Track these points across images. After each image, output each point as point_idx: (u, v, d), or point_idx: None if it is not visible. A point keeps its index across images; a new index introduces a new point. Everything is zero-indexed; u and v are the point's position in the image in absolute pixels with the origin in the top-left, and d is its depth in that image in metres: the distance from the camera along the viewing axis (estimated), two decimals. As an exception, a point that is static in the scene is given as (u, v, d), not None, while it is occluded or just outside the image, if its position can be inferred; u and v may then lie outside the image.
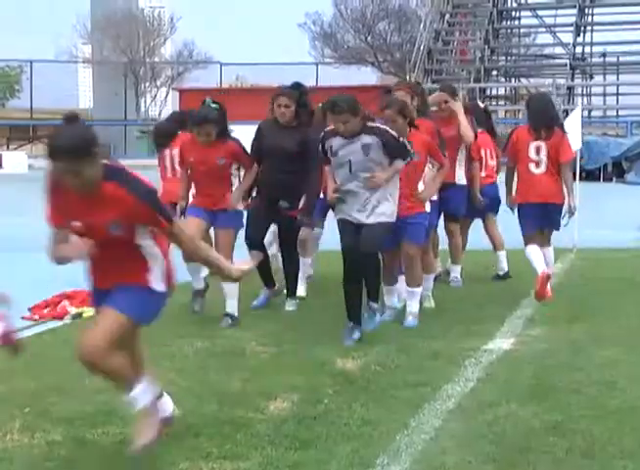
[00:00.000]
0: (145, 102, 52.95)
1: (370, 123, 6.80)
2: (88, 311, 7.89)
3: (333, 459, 4.47)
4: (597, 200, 18.07)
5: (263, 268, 7.98)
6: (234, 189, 7.59)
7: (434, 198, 7.94)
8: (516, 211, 8.61)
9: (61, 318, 7.80)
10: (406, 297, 7.66)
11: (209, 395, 5.50)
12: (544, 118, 8.30)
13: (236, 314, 7.53)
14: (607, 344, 6.75)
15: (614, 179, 26.95)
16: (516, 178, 8.61)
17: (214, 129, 7.37)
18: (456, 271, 9.36)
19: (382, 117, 7.19)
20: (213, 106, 7.43)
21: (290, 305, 8.11)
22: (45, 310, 7.99)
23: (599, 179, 25.93)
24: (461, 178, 8.99)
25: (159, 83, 53.46)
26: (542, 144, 8.25)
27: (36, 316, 7.85)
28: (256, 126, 8.08)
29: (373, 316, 7.13)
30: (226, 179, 7.59)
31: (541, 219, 8.39)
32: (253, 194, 8.03)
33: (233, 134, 7.63)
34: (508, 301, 8.36)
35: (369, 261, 6.93)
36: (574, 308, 7.99)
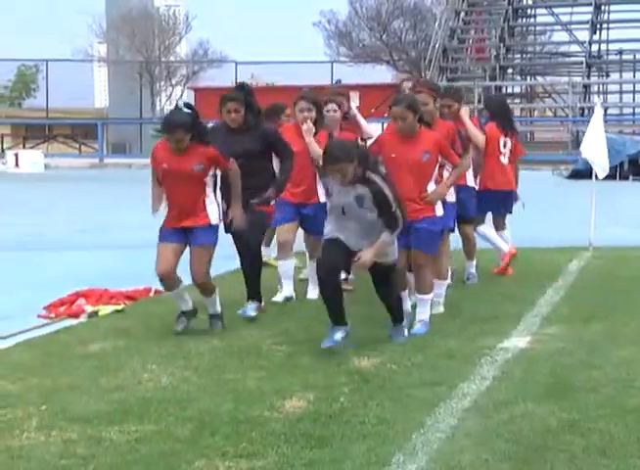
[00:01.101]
0: (160, 101, 53.02)
1: (370, 175, 6.41)
2: (104, 310, 7.93)
3: (348, 458, 4.47)
4: (613, 198, 17.99)
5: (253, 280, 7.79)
6: (210, 202, 7.07)
7: (452, 200, 7.88)
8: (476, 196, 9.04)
9: (76, 317, 7.81)
10: (417, 302, 7.37)
11: (225, 393, 5.50)
12: (509, 118, 10.13)
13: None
14: (624, 343, 6.72)
15: (630, 177, 26.82)
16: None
17: (186, 135, 6.89)
18: (472, 267, 9.33)
19: (390, 114, 7.08)
20: (185, 109, 6.97)
21: (250, 311, 7.62)
22: (61, 309, 8.01)
23: (615, 177, 25.78)
24: (471, 180, 8.89)
25: (174, 82, 53.52)
26: (507, 140, 9.73)
27: (52, 315, 7.87)
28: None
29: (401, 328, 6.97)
30: (201, 190, 7.04)
31: (504, 204, 9.84)
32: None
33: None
34: (524, 299, 8.32)
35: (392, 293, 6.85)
36: (591, 307, 7.96)
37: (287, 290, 8.39)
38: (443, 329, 7.19)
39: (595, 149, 11.79)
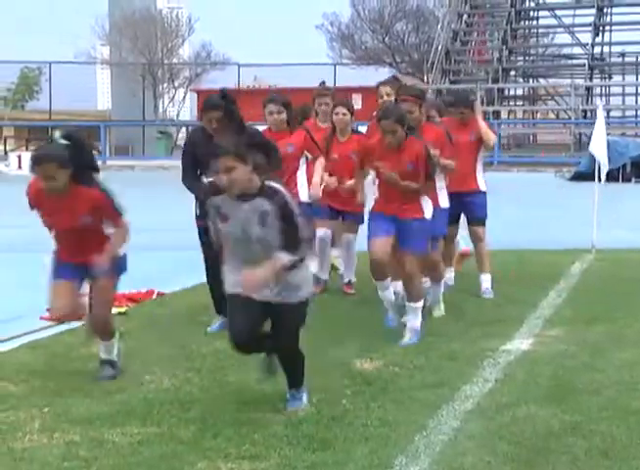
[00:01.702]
0: (163, 103, 53.03)
1: (270, 183, 5.07)
2: (107, 312, 7.92)
3: (351, 460, 4.47)
4: (616, 200, 17.98)
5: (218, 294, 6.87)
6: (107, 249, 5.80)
7: (446, 205, 7.83)
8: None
9: (79, 319, 7.80)
10: (407, 310, 7.09)
11: (228, 395, 5.50)
12: None
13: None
14: (626, 345, 6.72)
15: (633, 180, 26.82)
16: None
17: (62, 173, 5.58)
18: (487, 281, 8.85)
19: (380, 127, 6.88)
20: (62, 141, 5.66)
21: (215, 326, 7.24)
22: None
23: (618, 180, 25.79)
24: (482, 185, 8.84)
25: (176, 84, 53.51)
26: None
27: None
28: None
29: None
30: (97, 234, 5.85)
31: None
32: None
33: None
34: (526, 301, 8.32)
35: (288, 355, 5.42)
36: (593, 309, 7.96)
37: None
38: (446, 331, 7.19)
39: (600, 148, 11.85)
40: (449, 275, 8.96)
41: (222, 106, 7.19)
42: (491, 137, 8.86)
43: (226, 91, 7.39)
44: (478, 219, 8.86)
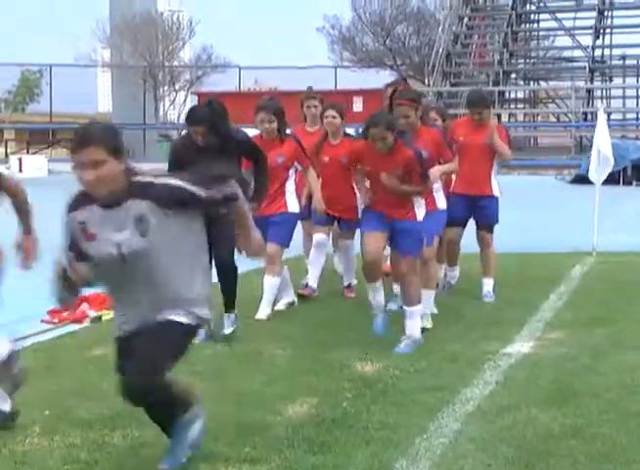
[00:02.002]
0: (164, 106, 53.03)
1: (140, 178, 4.14)
2: (107, 314, 7.93)
3: (351, 463, 4.47)
4: (617, 203, 17.98)
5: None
6: None
7: (443, 207, 7.71)
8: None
9: (80, 321, 7.82)
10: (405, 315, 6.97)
11: (228, 398, 5.50)
12: None
13: None
14: (627, 348, 6.71)
15: (634, 182, 26.82)
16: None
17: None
18: (489, 285, 8.77)
19: (370, 134, 6.69)
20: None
21: (228, 327, 7.22)
22: (64, 314, 8.01)
23: (619, 182, 25.78)
24: (496, 189, 8.69)
25: (177, 87, 53.49)
26: None
27: (55, 320, 7.88)
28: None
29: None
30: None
31: None
32: None
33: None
34: (527, 304, 8.32)
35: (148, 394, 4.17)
36: (594, 312, 7.95)
37: (288, 296, 8.38)
38: (446, 334, 7.19)
39: (606, 147, 11.84)
40: (454, 273, 8.99)
41: (207, 120, 6.93)
42: (506, 152, 8.63)
43: (214, 102, 7.08)
44: (487, 225, 8.76)
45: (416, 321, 6.89)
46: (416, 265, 6.96)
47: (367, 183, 7.04)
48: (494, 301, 8.56)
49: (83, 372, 6.09)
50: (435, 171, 7.42)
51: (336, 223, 8.79)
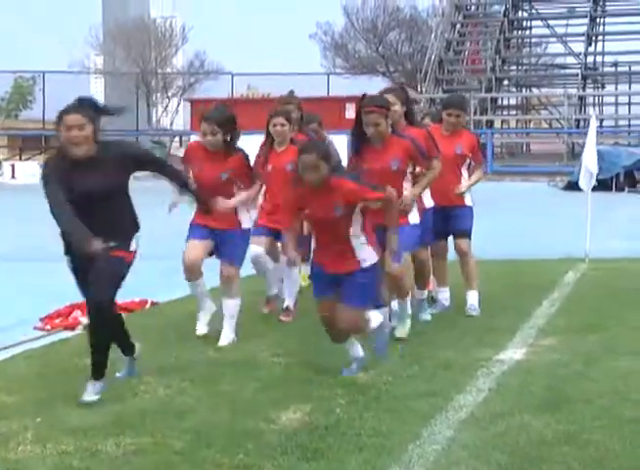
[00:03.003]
0: (157, 112, 53.04)
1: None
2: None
3: (345, 470, 4.47)
4: (609, 210, 18.04)
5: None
6: None
7: (416, 221, 7.28)
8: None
9: (72, 329, 7.81)
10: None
11: (221, 405, 5.49)
12: None
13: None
14: (620, 354, 6.72)
15: (626, 189, 26.91)
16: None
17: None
18: (473, 298, 8.39)
19: (299, 162, 6.13)
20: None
21: (91, 394, 5.62)
22: (57, 321, 8.00)
23: (611, 189, 25.88)
24: (468, 200, 8.37)
25: (170, 94, 53.53)
26: None
27: (48, 326, 7.87)
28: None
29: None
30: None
31: None
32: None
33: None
34: (520, 311, 8.33)
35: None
36: (587, 319, 7.96)
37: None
38: (439, 341, 7.19)
39: (591, 159, 11.92)
40: (445, 295, 8.52)
41: (85, 113, 5.69)
42: (479, 178, 8.41)
43: (88, 99, 6.03)
44: (461, 231, 8.35)
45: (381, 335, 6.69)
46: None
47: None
48: (487, 307, 8.55)
49: (76, 379, 6.07)
50: (415, 191, 7.18)
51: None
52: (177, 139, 46.62)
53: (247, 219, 7.36)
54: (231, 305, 7.30)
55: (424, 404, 5.48)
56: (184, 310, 8.22)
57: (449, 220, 8.27)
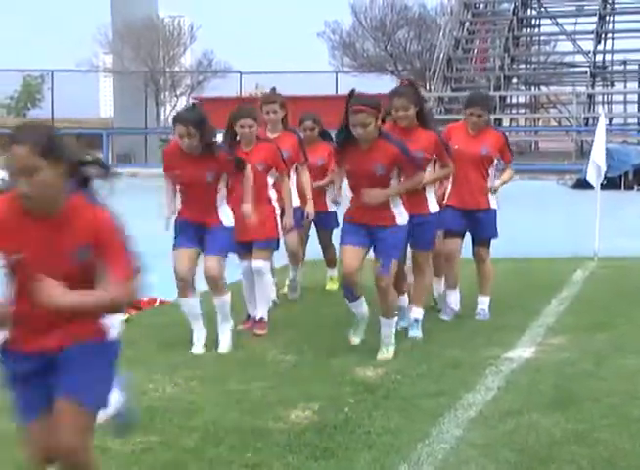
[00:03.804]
0: (165, 111, 53.07)
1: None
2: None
3: (353, 469, 4.47)
4: (618, 208, 17.97)
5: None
6: None
7: (404, 223, 6.85)
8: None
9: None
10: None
11: (230, 403, 5.50)
12: None
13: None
14: (629, 353, 6.71)
15: (635, 187, 26.81)
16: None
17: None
18: (484, 303, 8.15)
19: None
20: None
21: None
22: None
23: (620, 187, 25.79)
24: (493, 202, 8.04)
25: (178, 92, 53.54)
26: None
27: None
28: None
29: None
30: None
31: None
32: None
33: None
34: (529, 309, 8.32)
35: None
36: (596, 317, 7.95)
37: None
38: (448, 339, 7.19)
39: (599, 155, 11.90)
40: (453, 297, 8.09)
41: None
42: (509, 177, 8.23)
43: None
44: (483, 239, 8.10)
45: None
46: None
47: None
48: (496, 306, 8.52)
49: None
50: (397, 188, 6.69)
51: None
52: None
53: (229, 217, 7.05)
54: (220, 304, 7.06)
55: (433, 403, 5.48)
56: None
57: (473, 224, 7.99)
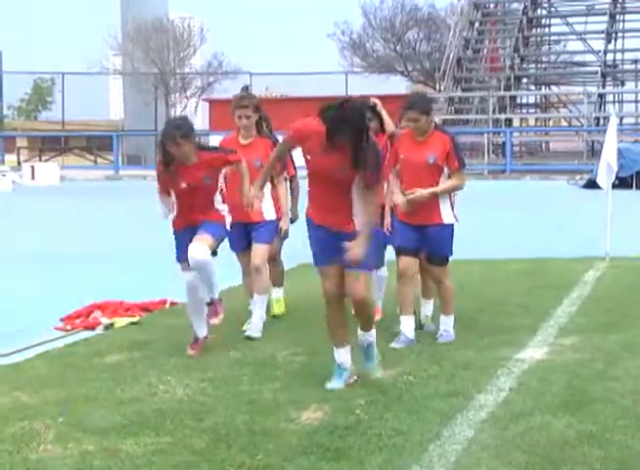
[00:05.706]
0: (175, 112, 53.17)
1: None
2: (120, 322, 7.95)
3: (365, 470, 4.46)
4: (630, 208, 17.93)
5: None
6: None
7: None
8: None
9: (93, 329, 7.83)
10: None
11: (241, 405, 5.50)
12: None
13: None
14: (641, 353, 6.68)
15: (646, 187, 26.77)
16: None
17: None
18: (446, 324, 7.37)
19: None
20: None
21: None
22: (77, 321, 8.03)
23: (631, 187, 25.73)
24: (448, 216, 7.21)
25: (189, 94, 53.67)
26: None
27: (68, 327, 7.89)
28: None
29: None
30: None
31: None
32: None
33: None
34: (540, 310, 8.29)
35: None
36: (608, 318, 7.92)
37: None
38: (459, 340, 7.17)
39: (611, 155, 11.85)
40: (408, 326, 7.23)
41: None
42: (455, 186, 7.19)
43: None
44: (437, 258, 7.26)
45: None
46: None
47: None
48: (507, 306, 8.52)
49: (96, 379, 6.09)
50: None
51: None
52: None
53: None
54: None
55: (444, 404, 5.47)
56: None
57: (424, 240, 7.18)
